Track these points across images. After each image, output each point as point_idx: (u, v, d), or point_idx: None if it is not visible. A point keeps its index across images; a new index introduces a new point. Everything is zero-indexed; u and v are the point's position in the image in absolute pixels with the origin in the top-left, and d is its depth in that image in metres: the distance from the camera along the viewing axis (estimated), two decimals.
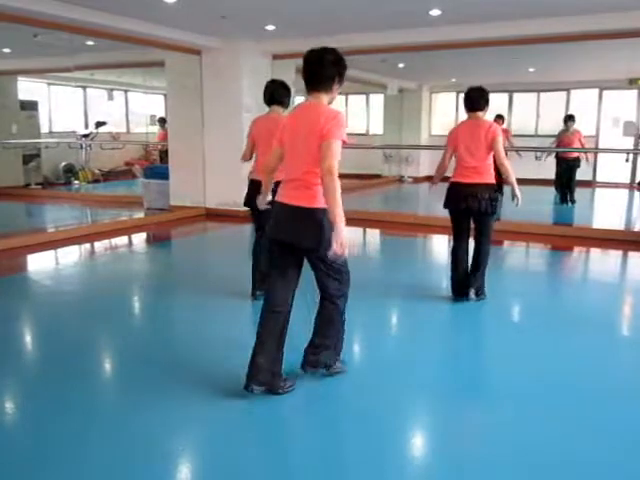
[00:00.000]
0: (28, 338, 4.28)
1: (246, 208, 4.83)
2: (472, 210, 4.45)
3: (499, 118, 11.10)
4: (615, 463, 2.54)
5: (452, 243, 4.79)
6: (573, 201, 10.33)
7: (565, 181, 10.30)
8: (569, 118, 10.23)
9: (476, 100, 4.53)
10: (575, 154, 10.14)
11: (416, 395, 3.18)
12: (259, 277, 4.69)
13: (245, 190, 4.88)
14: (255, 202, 4.14)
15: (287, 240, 2.98)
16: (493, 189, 4.47)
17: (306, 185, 2.89)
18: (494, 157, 4.42)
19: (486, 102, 4.56)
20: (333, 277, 3.04)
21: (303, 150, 2.89)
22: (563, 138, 10.10)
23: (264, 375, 2.99)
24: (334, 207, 2.71)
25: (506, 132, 10.93)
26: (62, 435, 2.72)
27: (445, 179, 4.79)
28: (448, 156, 4.70)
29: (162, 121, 12.45)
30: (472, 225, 4.66)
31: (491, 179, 4.46)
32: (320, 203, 2.84)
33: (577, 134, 10.04)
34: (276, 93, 4.65)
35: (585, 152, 10.40)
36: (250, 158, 4.89)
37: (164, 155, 12.53)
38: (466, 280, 4.65)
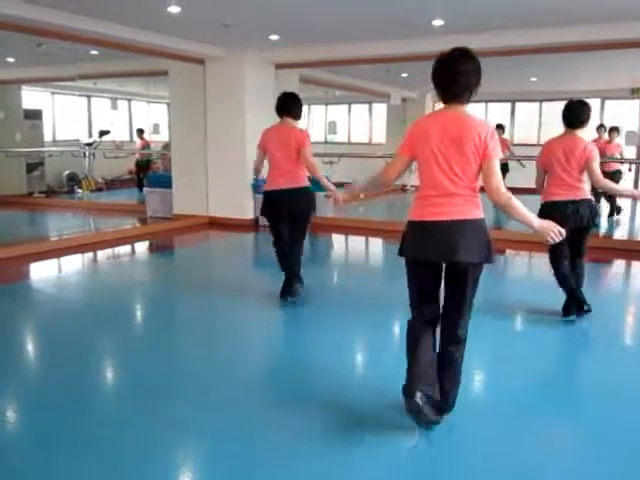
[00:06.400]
0: (37, 345, 4.28)
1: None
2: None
3: (499, 128, 11.10)
4: None
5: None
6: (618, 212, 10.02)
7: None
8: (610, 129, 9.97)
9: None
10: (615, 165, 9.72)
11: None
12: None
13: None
14: (273, 211, 4.75)
15: (444, 259, 2.75)
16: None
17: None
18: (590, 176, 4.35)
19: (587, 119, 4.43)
20: None
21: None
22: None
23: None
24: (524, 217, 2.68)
25: (504, 142, 10.91)
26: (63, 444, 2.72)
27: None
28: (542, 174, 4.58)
29: (140, 131, 12.61)
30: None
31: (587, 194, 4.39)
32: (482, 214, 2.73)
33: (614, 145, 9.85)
34: (287, 104, 4.80)
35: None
36: (261, 169, 5.01)
37: (144, 164, 12.59)
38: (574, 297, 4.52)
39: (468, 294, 2.76)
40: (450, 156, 2.68)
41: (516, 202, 2.66)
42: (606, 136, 9.98)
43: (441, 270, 2.82)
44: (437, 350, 2.85)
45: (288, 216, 4.85)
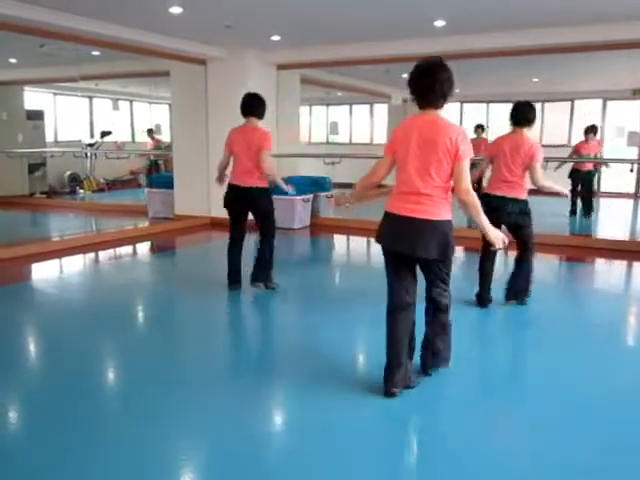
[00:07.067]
0: (39, 345, 4.29)
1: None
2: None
3: (479, 128, 11.06)
4: None
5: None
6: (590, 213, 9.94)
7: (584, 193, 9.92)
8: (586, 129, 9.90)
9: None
10: (590, 165, 9.74)
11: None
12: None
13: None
14: (232, 204, 5.07)
15: (407, 252, 3.00)
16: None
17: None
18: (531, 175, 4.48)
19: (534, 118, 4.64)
20: None
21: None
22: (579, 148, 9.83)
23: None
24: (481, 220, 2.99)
25: (484, 142, 10.86)
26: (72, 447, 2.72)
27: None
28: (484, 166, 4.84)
29: (150, 131, 12.70)
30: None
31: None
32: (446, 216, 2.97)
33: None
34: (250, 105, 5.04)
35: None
36: (227, 166, 5.25)
37: (154, 165, 12.70)
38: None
39: (438, 279, 3.10)
40: (425, 158, 2.92)
41: (479, 205, 2.98)
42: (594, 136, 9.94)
43: (412, 258, 3.06)
44: (428, 320, 3.24)
45: (253, 213, 5.15)
